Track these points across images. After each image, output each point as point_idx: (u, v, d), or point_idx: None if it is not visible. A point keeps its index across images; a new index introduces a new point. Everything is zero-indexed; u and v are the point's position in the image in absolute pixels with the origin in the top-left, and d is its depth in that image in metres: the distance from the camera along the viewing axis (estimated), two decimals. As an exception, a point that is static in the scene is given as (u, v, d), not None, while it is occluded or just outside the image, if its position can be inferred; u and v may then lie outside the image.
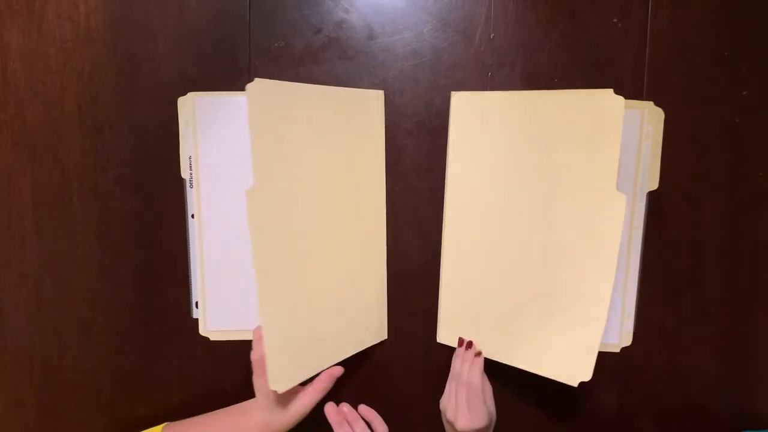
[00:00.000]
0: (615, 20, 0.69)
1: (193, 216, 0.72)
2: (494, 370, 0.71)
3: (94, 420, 0.69)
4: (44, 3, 0.69)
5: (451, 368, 0.70)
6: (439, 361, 0.73)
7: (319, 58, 0.70)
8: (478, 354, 0.69)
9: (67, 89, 0.70)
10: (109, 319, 0.73)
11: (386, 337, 0.74)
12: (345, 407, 0.72)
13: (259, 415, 0.66)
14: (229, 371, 0.73)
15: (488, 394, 0.69)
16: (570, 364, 0.65)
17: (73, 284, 0.73)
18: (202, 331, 0.73)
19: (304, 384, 0.66)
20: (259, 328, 0.65)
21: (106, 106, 0.71)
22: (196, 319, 0.73)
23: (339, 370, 0.68)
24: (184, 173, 0.71)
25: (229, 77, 0.70)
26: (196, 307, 0.73)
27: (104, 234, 0.72)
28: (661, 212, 0.71)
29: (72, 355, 0.74)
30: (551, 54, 0.70)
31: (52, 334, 0.73)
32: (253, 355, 0.66)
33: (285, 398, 0.66)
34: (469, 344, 0.70)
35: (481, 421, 0.65)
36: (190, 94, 0.70)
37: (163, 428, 0.68)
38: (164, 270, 0.73)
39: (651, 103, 0.70)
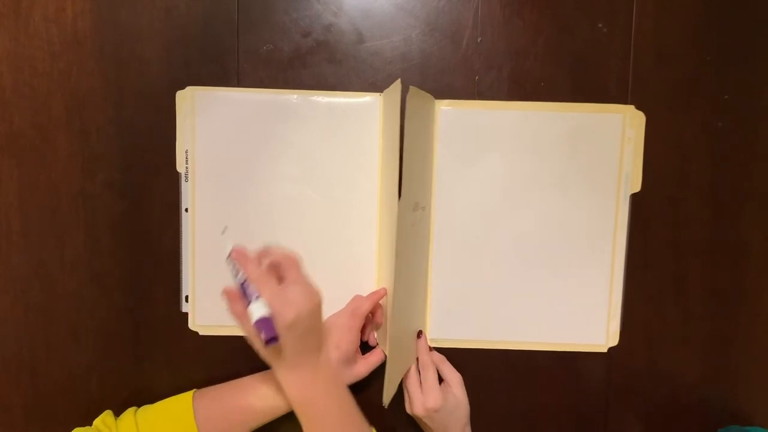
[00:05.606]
0: (600, 25, 0.70)
1: (186, 210, 0.72)
2: (480, 366, 0.72)
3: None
4: (31, 6, 0.69)
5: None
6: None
7: (308, 61, 0.70)
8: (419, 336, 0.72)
9: (54, 92, 0.70)
10: (97, 323, 0.73)
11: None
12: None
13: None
14: (219, 366, 0.73)
15: (452, 382, 0.70)
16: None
17: (61, 288, 0.72)
18: (192, 325, 0.73)
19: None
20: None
21: (94, 109, 0.70)
22: (186, 314, 0.73)
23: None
24: (180, 167, 0.71)
25: (218, 80, 0.70)
26: (186, 301, 0.73)
27: (92, 238, 0.72)
28: (644, 214, 0.73)
29: (60, 360, 0.73)
30: (537, 58, 0.70)
31: (39, 338, 0.73)
32: (362, 306, 0.68)
33: (355, 357, 0.69)
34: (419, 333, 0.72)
35: (435, 401, 0.66)
36: (189, 88, 0.70)
37: (193, 394, 0.68)
38: (153, 272, 0.72)
39: (632, 107, 0.71)
